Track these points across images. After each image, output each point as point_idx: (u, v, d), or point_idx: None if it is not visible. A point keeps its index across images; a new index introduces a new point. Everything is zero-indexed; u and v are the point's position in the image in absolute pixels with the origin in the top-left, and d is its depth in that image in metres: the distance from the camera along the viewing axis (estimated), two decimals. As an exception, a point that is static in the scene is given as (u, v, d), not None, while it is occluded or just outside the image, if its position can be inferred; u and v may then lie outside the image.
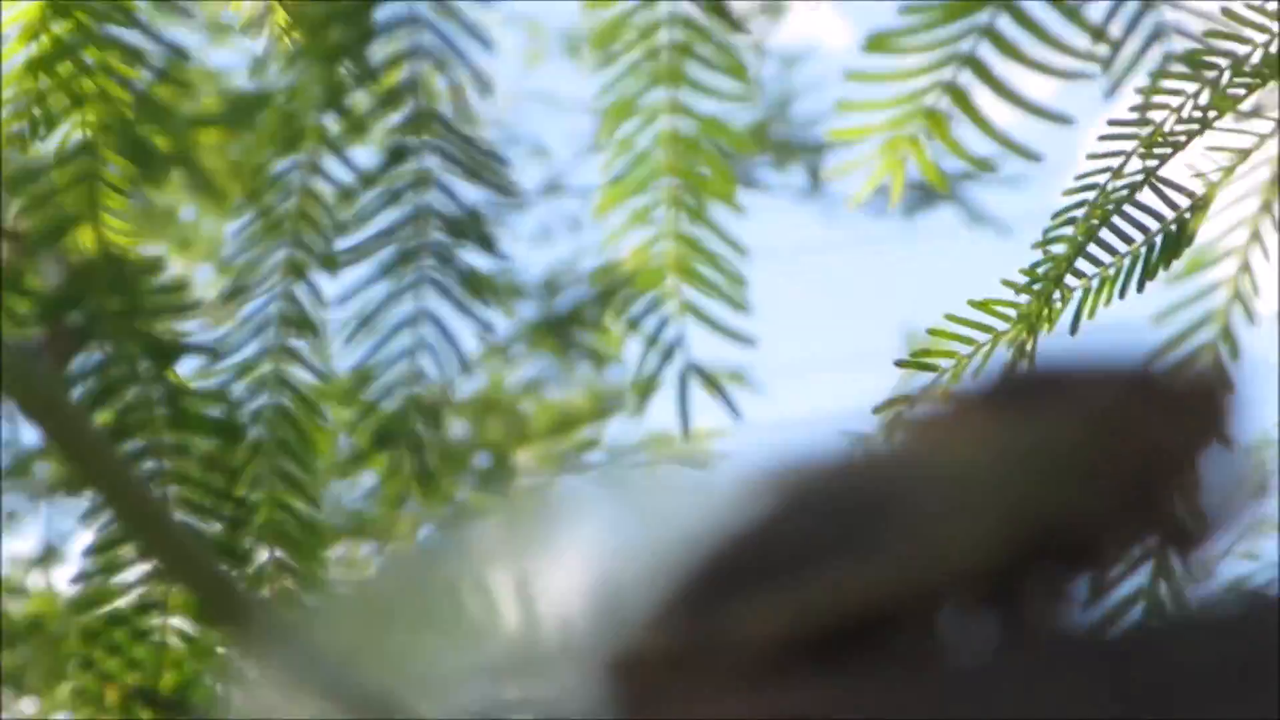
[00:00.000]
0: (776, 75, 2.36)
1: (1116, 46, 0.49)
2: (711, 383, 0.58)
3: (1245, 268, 0.51)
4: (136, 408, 0.51)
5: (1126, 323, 0.62)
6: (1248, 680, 0.28)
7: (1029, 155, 0.50)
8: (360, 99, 0.59)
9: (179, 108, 0.58)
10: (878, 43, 0.50)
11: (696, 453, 1.87)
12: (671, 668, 0.28)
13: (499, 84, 0.62)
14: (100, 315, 0.50)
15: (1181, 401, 0.31)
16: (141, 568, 0.54)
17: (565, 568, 0.30)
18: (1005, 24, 0.50)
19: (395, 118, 0.59)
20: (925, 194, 2.28)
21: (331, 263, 0.58)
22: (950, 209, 2.34)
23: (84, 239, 0.51)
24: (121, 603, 0.54)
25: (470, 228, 0.57)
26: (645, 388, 0.58)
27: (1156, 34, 0.51)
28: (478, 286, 0.58)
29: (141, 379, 0.51)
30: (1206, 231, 0.53)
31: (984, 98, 0.50)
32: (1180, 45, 0.52)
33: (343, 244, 0.58)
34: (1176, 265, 0.56)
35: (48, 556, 1.84)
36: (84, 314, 0.50)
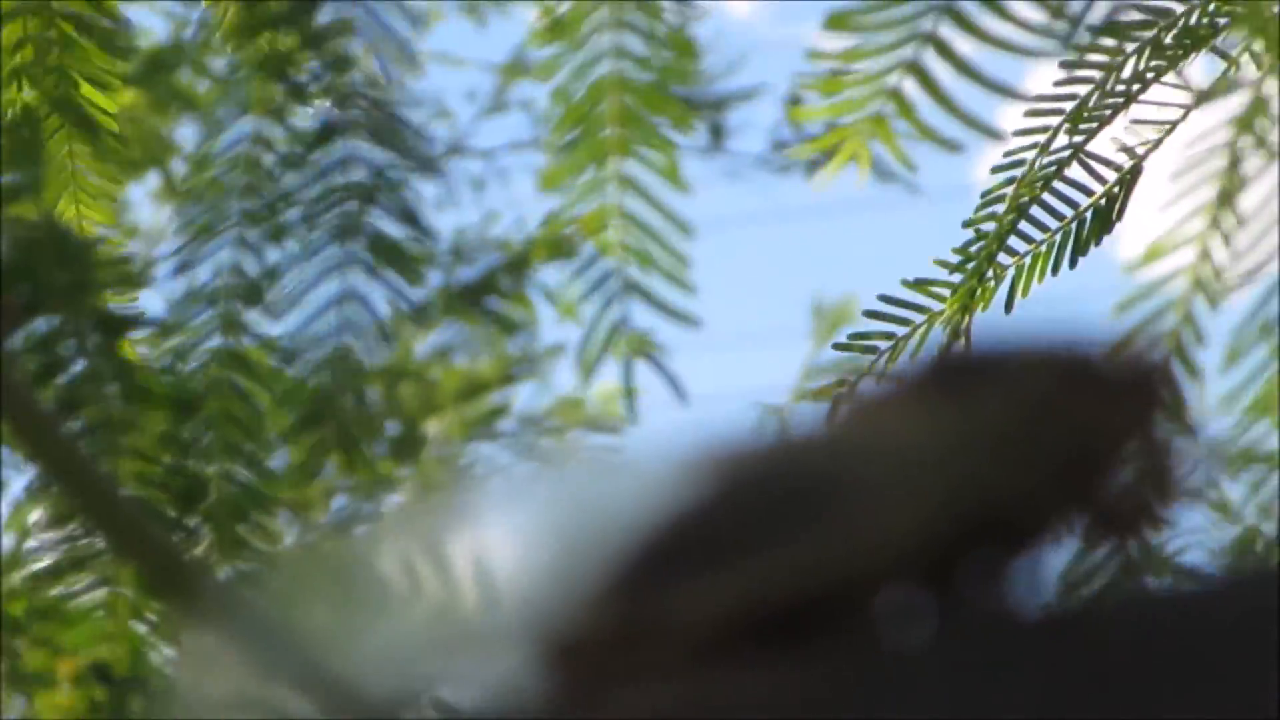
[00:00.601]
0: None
1: (1075, 22, 0.49)
2: (658, 364, 0.58)
3: (1205, 255, 0.52)
4: (84, 382, 0.51)
5: (1068, 304, 0.63)
6: (1188, 661, 0.28)
7: (992, 134, 0.50)
8: (299, 70, 0.59)
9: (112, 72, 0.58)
10: (837, 21, 0.50)
11: (605, 417, 1.87)
12: (608, 651, 0.28)
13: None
14: (47, 289, 0.50)
15: (1118, 383, 0.32)
16: (91, 543, 0.54)
17: (502, 551, 0.31)
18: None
19: (325, 93, 0.59)
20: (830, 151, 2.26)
21: (278, 234, 0.58)
22: (855, 165, 2.33)
23: (29, 211, 0.51)
24: (72, 580, 0.54)
25: (396, 203, 0.57)
26: (590, 365, 0.58)
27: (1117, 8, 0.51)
28: (402, 261, 0.58)
29: (89, 353, 0.51)
30: (1165, 219, 0.54)
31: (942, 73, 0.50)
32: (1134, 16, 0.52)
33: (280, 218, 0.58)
34: (1135, 254, 0.57)
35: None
36: (30, 288, 0.50)
